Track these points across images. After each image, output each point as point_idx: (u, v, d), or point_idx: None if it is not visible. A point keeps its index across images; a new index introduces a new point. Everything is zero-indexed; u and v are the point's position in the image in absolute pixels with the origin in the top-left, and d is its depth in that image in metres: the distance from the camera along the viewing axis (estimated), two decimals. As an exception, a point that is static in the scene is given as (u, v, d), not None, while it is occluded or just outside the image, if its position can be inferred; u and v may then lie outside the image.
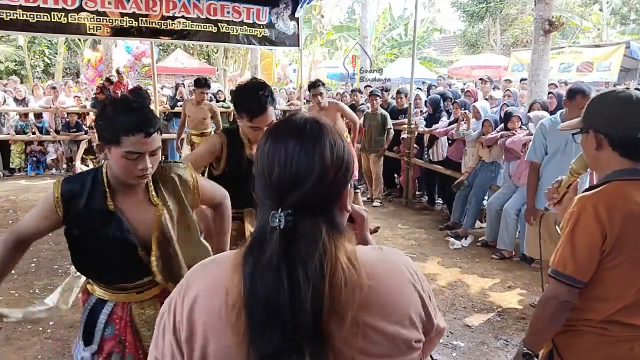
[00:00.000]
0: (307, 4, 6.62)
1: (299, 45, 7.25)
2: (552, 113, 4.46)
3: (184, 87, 9.50)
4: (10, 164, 8.24)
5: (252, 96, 2.07)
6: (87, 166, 4.95)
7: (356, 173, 6.25)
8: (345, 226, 0.78)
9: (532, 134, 4.30)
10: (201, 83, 5.97)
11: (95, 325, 1.58)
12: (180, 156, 5.87)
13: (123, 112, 1.40)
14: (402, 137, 6.62)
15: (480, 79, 8.36)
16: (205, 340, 0.71)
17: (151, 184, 1.55)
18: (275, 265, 0.67)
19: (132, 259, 1.52)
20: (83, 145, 7.05)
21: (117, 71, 9.45)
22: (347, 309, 0.68)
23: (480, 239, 5.04)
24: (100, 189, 1.48)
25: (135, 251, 1.51)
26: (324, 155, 0.73)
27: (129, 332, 1.58)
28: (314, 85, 5.38)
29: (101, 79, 8.88)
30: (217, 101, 9.52)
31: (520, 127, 4.67)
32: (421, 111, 6.89)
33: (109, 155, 1.44)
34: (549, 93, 5.32)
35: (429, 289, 0.83)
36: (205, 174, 2.42)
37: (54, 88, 8.77)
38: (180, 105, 8.75)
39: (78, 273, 1.70)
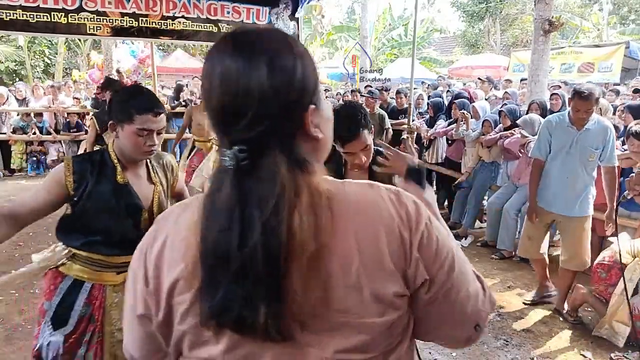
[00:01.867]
0: (307, 3, 6.62)
1: (299, 45, 7.24)
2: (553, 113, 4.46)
3: (186, 87, 9.48)
4: (12, 164, 8.24)
5: (343, 123, 1.96)
6: None
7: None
8: (310, 158, 0.66)
9: (526, 136, 4.32)
10: None
11: (70, 307, 1.69)
12: (179, 161, 5.75)
13: (136, 94, 1.67)
14: (402, 137, 6.61)
15: (479, 78, 8.36)
16: (171, 290, 0.67)
17: (150, 164, 1.81)
18: (229, 208, 0.61)
19: (133, 227, 1.70)
20: (83, 146, 7.06)
21: (118, 71, 9.45)
22: (304, 256, 0.60)
23: (480, 239, 5.04)
24: (110, 165, 1.69)
25: (140, 216, 1.72)
26: (268, 71, 0.60)
27: (100, 313, 1.72)
28: None
29: (125, 78, 8.89)
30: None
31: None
32: (420, 113, 6.89)
33: (121, 134, 1.65)
34: (554, 94, 5.28)
35: (439, 234, 0.69)
36: None
37: (52, 87, 8.76)
38: (183, 106, 8.79)
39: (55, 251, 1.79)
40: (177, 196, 2.01)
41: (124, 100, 1.65)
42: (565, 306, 3.43)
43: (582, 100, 3.03)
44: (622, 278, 2.88)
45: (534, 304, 3.59)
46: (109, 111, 1.71)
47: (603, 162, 3.19)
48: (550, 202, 3.33)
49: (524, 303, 3.58)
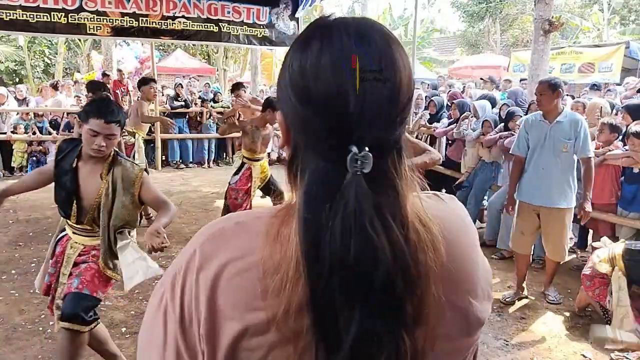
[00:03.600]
0: (309, 6, 6.62)
1: (299, 45, 7.24)
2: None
3: (182, 87, 9.47)
4: (12, 162, 8.23)
5: None
6: None
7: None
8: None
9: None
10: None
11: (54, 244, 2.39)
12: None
13: (98, 102, 2.17)
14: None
15: (482, 78, 8.36)
16: (237, 334, 0.53)
17: (107, 165, 2.18)
18: (368, 223, 0.49)
19: (67, 204, 2.19)
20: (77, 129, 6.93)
21: (119, 70, 9.46)
22: (432, 276, 0.53)
23: (482, 239, 5.04)
24: (76, 153, 2.18)
25: (71, 201, 2.16)
26: (408, 69, 0.54)
27: (62, 257, 2.30)
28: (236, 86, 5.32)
29: (125, 78, 8.90)
30: (215, 102, 9.52)
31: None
32: (416, 113, 6.89)
33: (82, 131, 2.10)
34: None
35: None
36: None
37: (55, 87, 8.75)
38: (183, 106, 8.79)
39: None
40: (152, 205, 2.37)
41: (89, 105, 2.17)
42: (551, 290, 3.70)
43: (538, 84, 3.41)
44: (611, 291, 2.98)
45: (511, 303, 3.63)
46: (80, 112, 2.18)
47: (578, 154, 3.35)
48: (530, 195, 3.50)
49: (502, 302, 3.62)
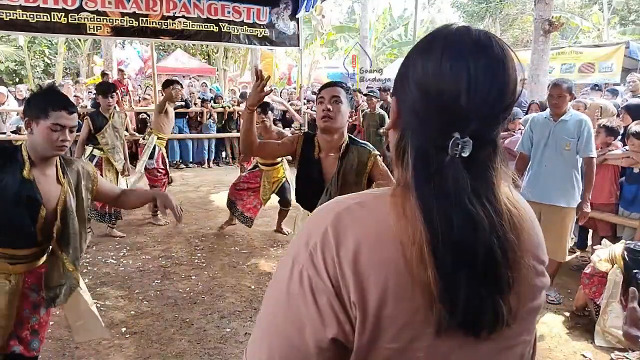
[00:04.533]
0: (312, 7, 6.63)
1: (299, 45, 7.25)
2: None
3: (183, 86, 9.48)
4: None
5: None
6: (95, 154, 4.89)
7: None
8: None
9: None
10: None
11: None
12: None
13: (51, 93, 1.85)
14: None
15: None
16: (381, 301, 0.59)
17: (59, 166, 1.89)
18: (467, 201, 0.58)
19: (29, 222, 1.79)
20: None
21: (120, 70, 9.46)
22: (520, 249, 0.62)
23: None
24: (20, 160, 1.79)
25: (37, 212, 1.79)
26: (514, 75, 0.62)
27: None
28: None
29: (125, 78, 8.90)
30: (216, 102, 9.52)
31: (519, 128, 4.69)
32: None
33: (35, 129, 1.77)
34: None
35: None
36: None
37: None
38: (183, 106, 8.79)
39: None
40: (107, 197, 2.14)
41: (40, 98, 1.81)
42: (552, 291, 3.69)
43: (554, 87, 3.40)
44: (606, 286, 3.02)
45: None
46: (24, 109, 1.83)
47: (580, 153, 3.37)
48: (533, 193, 3.51)
49: None
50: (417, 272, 0.58)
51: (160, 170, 5.26)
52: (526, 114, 4.89)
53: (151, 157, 5.13)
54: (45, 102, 1.77)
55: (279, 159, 4.83)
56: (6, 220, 1.76)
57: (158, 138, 5.23)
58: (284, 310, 0.62)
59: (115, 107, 4.82)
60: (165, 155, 5.40)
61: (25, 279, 1.90)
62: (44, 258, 1.95)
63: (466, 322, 0.59)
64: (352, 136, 2.34)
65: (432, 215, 0.58)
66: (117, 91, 8.35)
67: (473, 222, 0.58)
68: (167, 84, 5.21)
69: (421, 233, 0.58)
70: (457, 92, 0.60)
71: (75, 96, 8.93)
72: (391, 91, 0.66)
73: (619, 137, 4.18)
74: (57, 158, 1.88)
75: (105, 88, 4.71)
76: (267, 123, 4.62)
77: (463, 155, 0.59)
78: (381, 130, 6.28)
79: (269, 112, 4.69)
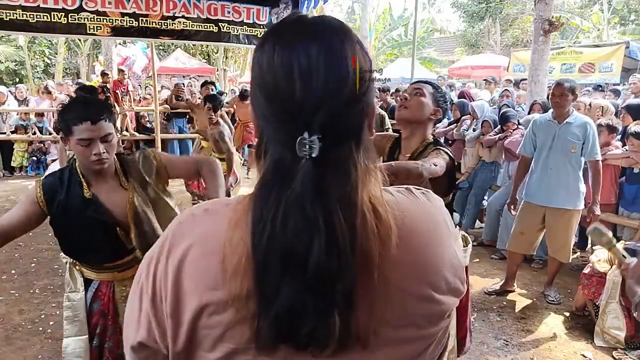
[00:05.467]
0: (314, 7, 6.63)
1: (299, 45, 7.23)
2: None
3: (184, 86, 9.46)
4: (12, 162, 8.23)
5: None
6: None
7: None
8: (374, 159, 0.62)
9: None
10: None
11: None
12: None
13: (71, 106, 1.65)
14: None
15: (485, 79, 8.38)
16: (196, 313, 0.57)
17: (120, 171, 1.75)
18: (308, 205, 0.53)
19: (111, 239, 1.70)
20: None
21: (120, 70, 9.44)
22: (375, 263, 0.56)
23: (480, 239, 5.04)
24: (76, 180, 1.69)
25: (114, 230, 1.70)
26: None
27: (111, 307, 1.79)
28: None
29: (125, 78, 8.86)
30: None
31: (517, 128, 4.69)
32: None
33: (71, 147, 1.64)
34: None
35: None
36: None
37: (48, 92, 8.67)
38: (182, 105, 8.78)
39: None
40: (189, 175, 2.00)
41: (61, 115, 1.65)
42: (552, 291, 3.69)
43: (557, 86, 3.37)
44: (605, 287, 3.02)
45: (493, 293, 3.73)
46: (58, 127, 1.75)
47: (585, 156, 3.36)
48: (537, 195, 3.51)
49: (486, 293, 3.75)
50: (232, 285, 0.55)
51: None
52: (528, 113, 4.88)
53: None
54: (66, 118, 1.61)
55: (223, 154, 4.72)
56: (90, 242, 1.70)
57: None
58: (128, 309, 0.65)
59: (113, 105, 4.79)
60: None
61: None
62: None
63: (288, 336, 0.54)
64: (439, 141, 2.12)
65: (264, 221, 0.54)
66: (118, 90, 8.39)
67: (310, 229, 0.53)
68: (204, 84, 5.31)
69: (245, 240, 0.55)
70: (292, 87, 0.55)
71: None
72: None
73: (619, 137, 4.18)
74: (115, 162, 1.74)
75: (86, 90, 4.70)
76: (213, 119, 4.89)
77: (313, 155, 0.53)
78: None
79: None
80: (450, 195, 2.01)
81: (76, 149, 1.62)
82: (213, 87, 5.42)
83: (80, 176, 1.69)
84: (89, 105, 1.65)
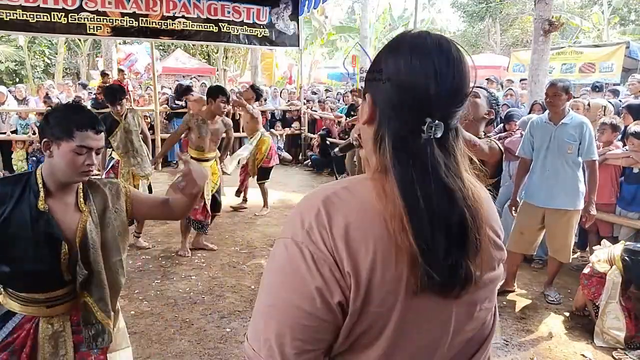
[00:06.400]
0: (314, 7, 6.63)
1: (298, 45, 7.25)
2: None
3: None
4: (14, 166, 8.21)
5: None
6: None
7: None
8: None
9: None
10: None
11: None
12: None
13: (76, 111, 1.57)
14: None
15: (487, 79, 8.38)
16: (371, 270, 0.67)
17: (81, 191, 1.63)
18: (442, 173, 0.69)
19: (52, 260, 1.54)
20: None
21: (120, 70, 9.45)
22: (485, 218, 0.73)
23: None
24: (34, 189, 1.54)
25: (59, 251, 1.54)
26: (469, 70, 0.75)
27: (28, 344, 1.59)
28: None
29: (125, 78, 8.86)
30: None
31: (519, 127, 4.68)
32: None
33: (56, 152, 1.51)
34: None
35: None
36: None
37: (49, 98, 8.66)
38: (182, 106, 8.79)
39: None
40: (150, 209, 1.81)
41: (63, 116, 1.53)
42: (552, 291, 3.70)
43: (549, 86, 3.41)
44: (605, 287, 3.03)
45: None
46: (42, 128, 1.55)
47: (582, 156, 3.37)
48: (536, 197, 3.52)
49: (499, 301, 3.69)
50: (400, 241, 0.67)
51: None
52: (529, 113, 4.88)
53: None
54: (69, 120, 1.51)
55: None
56: (28, 262, 1.52)
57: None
58: (290, 285, 0.69)
59: (130, 108, 4.62)
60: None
61: (72, 317, 1.67)
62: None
63: (443, 280, 0.67)
64: (490, 137, 2.41)
65: (410, 190, 0.68)
66: (127, 95, 8.38)
67: (449, 192, 0.69)
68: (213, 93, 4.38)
69: (399, 207, 0.67)
70: (427, 84, 0.70)
71: (77, 96, 8.92)
72: (363, 90, 0.82)
73: (619, 137, 4.18)
74: (80, 183, 1.63)
75: (112, 96, 4.27)
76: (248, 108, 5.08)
77: (436, 136, 0.70)
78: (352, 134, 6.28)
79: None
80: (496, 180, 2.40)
81: (67, 156, 1.51)
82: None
83: (40, 186, 1.55)
84: (92, 114, 1.60)
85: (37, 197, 1.53)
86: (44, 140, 1.53)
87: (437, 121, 0.70)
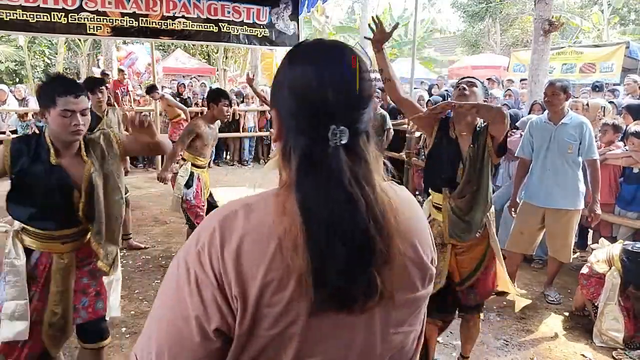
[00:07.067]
0: (313, 7, 6.62)
1: (299, 46, 7.22)
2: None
3: (184, 87, 9.46)
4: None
5: None
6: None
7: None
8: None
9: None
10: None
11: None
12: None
13: (56, 81, 1.89)
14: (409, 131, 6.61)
15: (489, 79, 8.38)
16: (260, 293, 0.65)
17: (83, 145, 1.97)
18: (346, 182, 0.66)
19: (66, 205, 1.92)
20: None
21: (120, 70, 9.45)
22: (394, 229, 0.69)
23: (480, 239, 5.04)
24: (44, 147, 1.89)
25: (71, 196, 1.92)
26: (367, 74, 0.74)
27: (43, 276, 1.97)
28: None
29: (125, 78, 8.85)
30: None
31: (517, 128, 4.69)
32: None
33: (49, 119, 1.84)
34: None
35: None
36: None
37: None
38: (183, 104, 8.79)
39: None
40: (136, 146, 2.16)
41: (46, 87, 1.86)
42: (552, 291, 3.70)
43: (548, 86, 3.42)
44: (604, 288, 3.03)
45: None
46: (37, 100, 1.91)
47: (583, 156, 3.37)
48: (536, 197, 3.51)
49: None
50: (291, 260, 0.64)
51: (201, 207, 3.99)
52: (529, 113, 4.88)
53: (188, 186, 3.93)
54: (52, 89, 1.82)
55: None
56: (47, 206, 1.89)
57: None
58: (173, 304, 0.68)
59: (112, 104, 4.71)
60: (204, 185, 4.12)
61: (77, 254, 2.04)
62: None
63: (338, 294, 0.65)
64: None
65: (310, 201, 0.65)
66: (118, 90, 8.39)
67: (352, 201, 0.65)
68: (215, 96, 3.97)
69: (296, 223, 0.65)
70: (324, 91, 0.69)
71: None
72: (270, 104, 0.82)
73: (620, 137, 4.18)
74: (80, 140, 1.95)
75: (91, 83, 4.11)
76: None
77: (342, 142, 0.68)
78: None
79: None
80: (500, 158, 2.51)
81: (56, 120, 1.82)
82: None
83: (50, 145, 1.89)
84: (71, 81, 1.92)
85: (48, 154, 1.88)
86: (40, 109, 1.87)
87: (341, 127, 0.68)
